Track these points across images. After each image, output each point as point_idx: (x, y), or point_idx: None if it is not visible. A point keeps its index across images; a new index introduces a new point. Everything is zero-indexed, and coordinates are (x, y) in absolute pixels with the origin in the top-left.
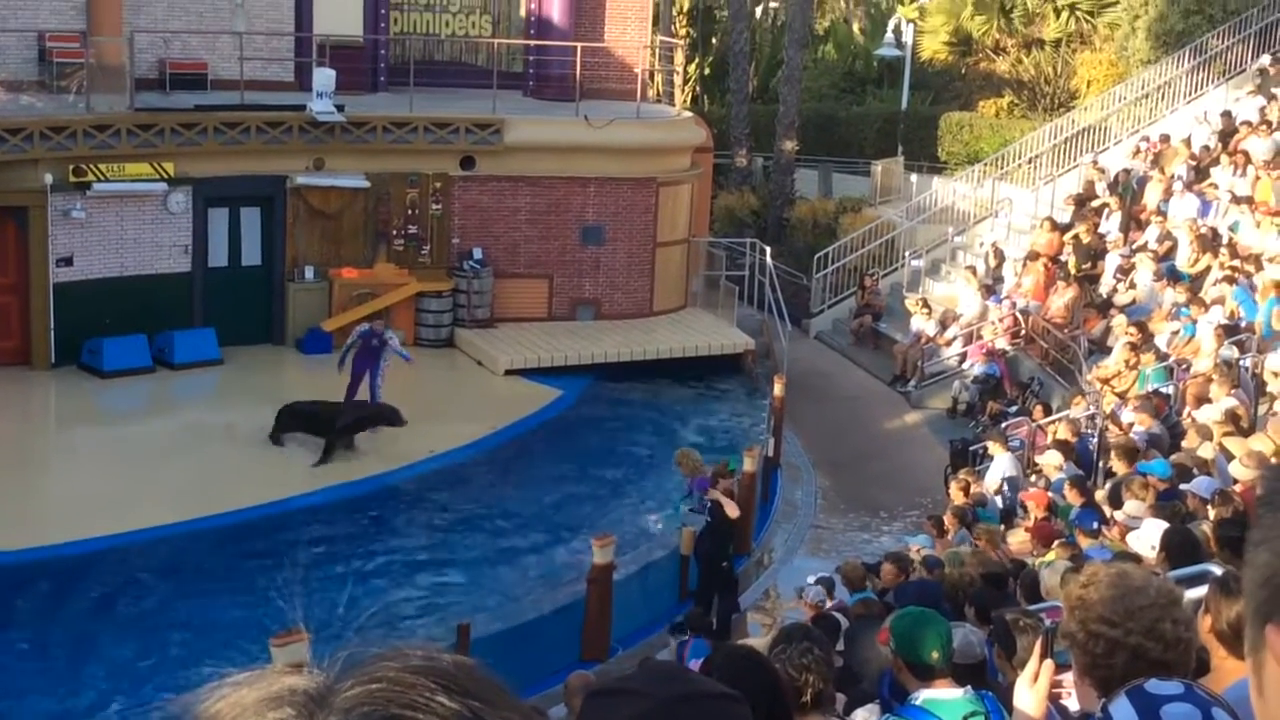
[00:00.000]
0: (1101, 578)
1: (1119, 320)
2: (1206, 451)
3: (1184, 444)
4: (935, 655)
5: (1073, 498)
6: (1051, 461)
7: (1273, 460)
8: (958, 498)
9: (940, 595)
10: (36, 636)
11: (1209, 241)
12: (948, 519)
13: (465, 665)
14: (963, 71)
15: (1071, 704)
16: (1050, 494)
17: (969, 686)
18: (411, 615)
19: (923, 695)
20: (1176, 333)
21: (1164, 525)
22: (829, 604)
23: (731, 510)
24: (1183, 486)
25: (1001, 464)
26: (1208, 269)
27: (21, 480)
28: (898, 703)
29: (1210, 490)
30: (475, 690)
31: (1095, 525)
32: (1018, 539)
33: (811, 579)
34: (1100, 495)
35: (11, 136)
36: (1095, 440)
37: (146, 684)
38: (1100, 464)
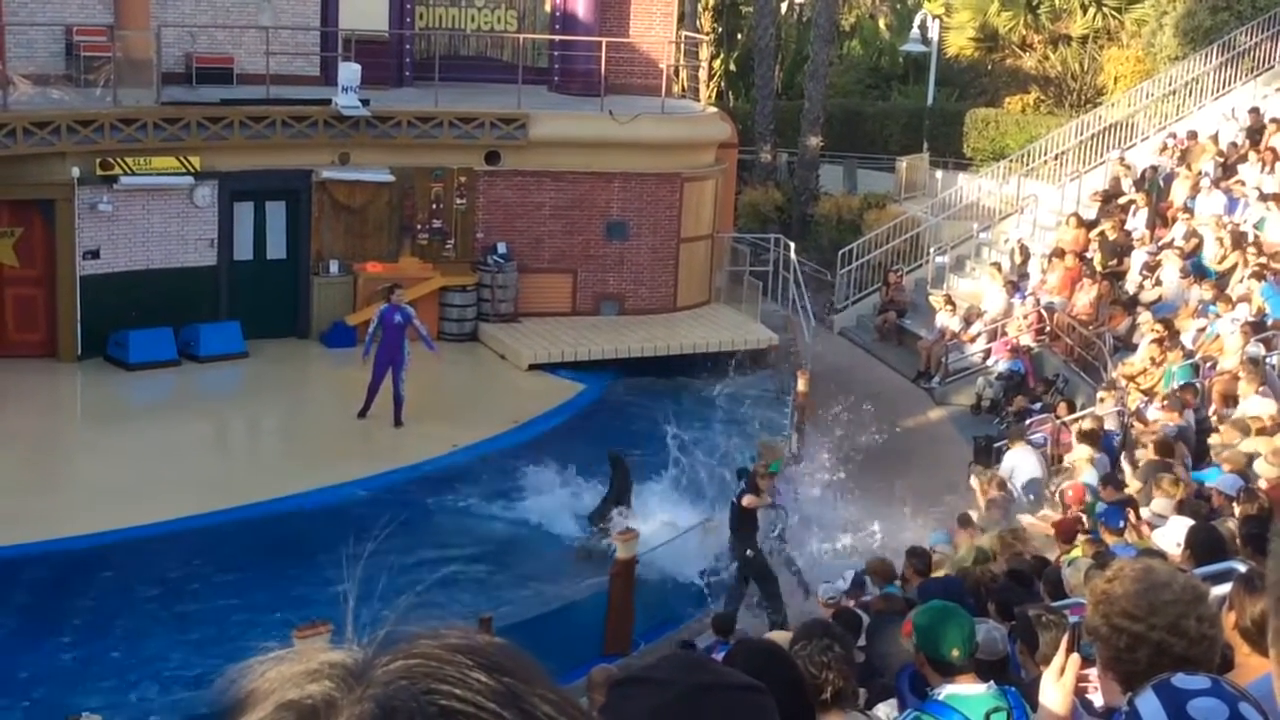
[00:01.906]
0: (1127, 572)
1: (1145, 317)
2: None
3: (1210, 441)
4: (956, 652)
5: (1106, 495)
6: (1082, 455)
7: None
8: (981, 494)
9: (963, 591)
10: (63, 626)
11: (1236, 238)
12: (971, 514)
13: (501, 645)
14: (989, 67)
15: (1096, 699)
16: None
17: (992, 682)
18: (432, 608)
19: (946, 690)
20: (1203, 329)
21: (1189, 522)
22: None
23: (754, 501)
24: (1208, 484)
25: (1014, 460)
26: (1234, 266)
27: (47, 472)
28: (919, 697)
29: (1235, 488)
30: (511, 669)
31: (1120, 523)
32: (1038, 534)
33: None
34: (1133, 488)
35: (39, 130)
36: (1119, 437)
37: (174, 671)
38: (1125, 460)
